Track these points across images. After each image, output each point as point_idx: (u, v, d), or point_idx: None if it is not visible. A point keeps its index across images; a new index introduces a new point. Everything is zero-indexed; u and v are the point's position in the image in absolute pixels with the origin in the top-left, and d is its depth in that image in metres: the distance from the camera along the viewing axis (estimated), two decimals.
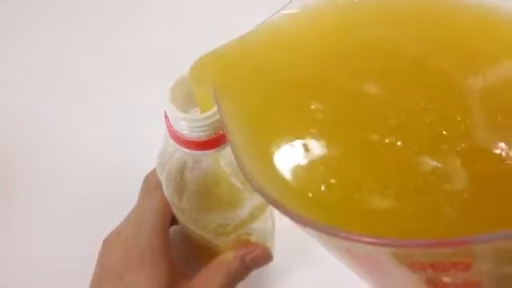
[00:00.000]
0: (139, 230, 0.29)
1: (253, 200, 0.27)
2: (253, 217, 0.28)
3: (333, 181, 0.15)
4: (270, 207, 0.31)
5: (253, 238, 0.31)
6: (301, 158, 0.16)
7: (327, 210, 0.15)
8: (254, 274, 0.31)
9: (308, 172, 0.16)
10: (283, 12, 0.19)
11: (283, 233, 0.36)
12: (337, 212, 0.15)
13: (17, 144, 0.44)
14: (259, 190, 0.15)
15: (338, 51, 0.18)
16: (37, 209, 0.40)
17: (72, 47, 0.50)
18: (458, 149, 0.15)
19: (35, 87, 0.48)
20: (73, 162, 0.42)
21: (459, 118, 0.15)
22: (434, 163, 0.15)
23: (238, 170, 0.25)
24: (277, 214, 0.36)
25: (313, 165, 0.16)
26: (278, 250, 0.34)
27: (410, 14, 0.18)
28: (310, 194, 0.15)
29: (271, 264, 0.32)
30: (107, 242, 0.30)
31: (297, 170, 0.16)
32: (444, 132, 0.15)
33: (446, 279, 0.14)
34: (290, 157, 0.16)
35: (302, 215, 0.14)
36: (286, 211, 0.14)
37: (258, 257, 0.30)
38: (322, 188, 0.15)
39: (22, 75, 0.49)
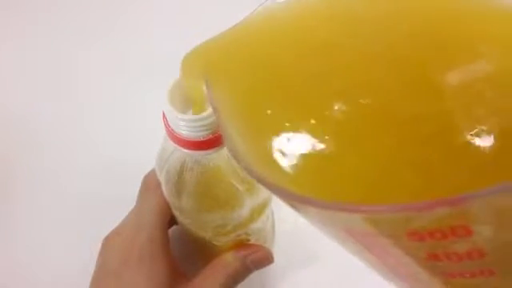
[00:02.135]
0: (138, 230, 0.29)
1: (252, 200, 0.27)
2: (252, 217, 0.28)
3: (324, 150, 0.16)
4: (270, 208, 0.31)
5: (252, 239, 0.31)
6: (293, 141, 0.16)
7: (319, 187, 0.15)
8: (254, 274, 0.31)
9: (300, 156, 0.16)
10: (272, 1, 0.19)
11: (283, 233, 0.36)
12: (329, 186, 0.15)
13: (17, 144, 0.44)
14: (255, 177, 0.15)
15: (328, 38, 0.18)
16: (37, 209, 0.40)
17: (71, 47, 0.50)
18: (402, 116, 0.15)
19: (35, 87, 0.48)
20: (72, 161, 0.42)
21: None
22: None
23: (237, 169, 0.25)
24: (277, 214, 0.36)
25: (304, 148, 0.16)
26: (277, 251, 0.34)
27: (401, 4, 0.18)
28: (303, 177, 0.15)
29: (271, 264, 0.32)
30: (107, 242, 0.30)
31: (290, 153, 0.16)
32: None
33: (447, 250, 0.13)
34: (283, 140, 0.16)
35: (296, 192, 0.14)
36: (283, 193, 0.14)
37: (259, 258, 0.30)
38: (311, 165, 0.15)
39: (21, 75, 0.49)
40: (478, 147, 0.14)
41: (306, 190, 0.15)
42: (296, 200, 0.14)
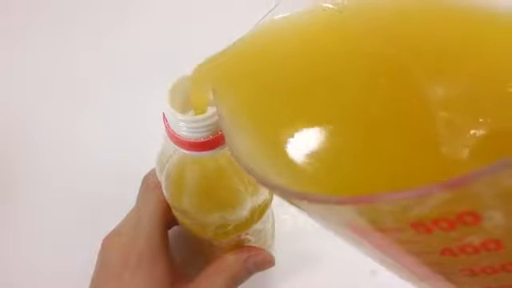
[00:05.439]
0: (138, 230, 0.29)
1: (253, 201, 0.27)
2: (253, 218, 0.28)
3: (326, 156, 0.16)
4: (270, 208, 0.31)
5: (252, 239, 0.31)
6: (303, 144, 0.17)
7: (324, 184, 0.16)
8: (254, 274, 0.31)
9: (309, 157, 0.17)
10: (279, 11, 0.20)
11: (283, 234, 0.36)
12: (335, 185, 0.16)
13: (17, 144, 0.44)
14: (257, 178, 0.15)
15: (331, 49, 0.19)
16: (37, 209, 0.40)
17: (71, 47, 0.50)
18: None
19: (35, 87, 0.48)
20: (73, 161, 0.42)
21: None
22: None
23: (237, 170, 0.25)
24: (277, 215, 0.36)
25: (313, 150, 0.17)
26: (277, 251, 0.34)
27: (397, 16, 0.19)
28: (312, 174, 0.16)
29: None
30: (106, 242, 0.30)
31: (302, 156, 0.17)
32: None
33: (460, 242, 0.13)
34: (293, 143, 0.17)
35: (296, 190, 0.14)
36: (284, 192, 0.14)
37: (261, 261, 0.30)
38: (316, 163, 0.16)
39: (21, 75, 0.49)
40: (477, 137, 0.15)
41: (311, 188, 0.16)
42: (296, 197, 0.14)
